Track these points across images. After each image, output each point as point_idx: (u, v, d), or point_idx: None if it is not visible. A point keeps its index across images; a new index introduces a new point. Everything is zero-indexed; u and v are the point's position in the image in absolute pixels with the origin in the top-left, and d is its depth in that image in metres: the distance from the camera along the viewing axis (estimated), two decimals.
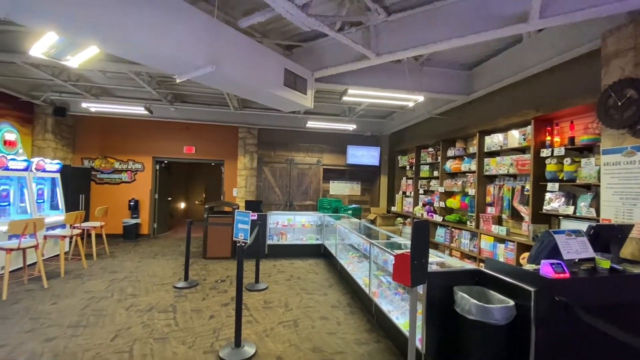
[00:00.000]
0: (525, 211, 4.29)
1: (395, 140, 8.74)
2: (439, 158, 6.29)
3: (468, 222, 5.42)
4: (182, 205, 12.17)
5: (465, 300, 2.18)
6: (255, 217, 6.08)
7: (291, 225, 6.87)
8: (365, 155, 8.98)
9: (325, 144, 9.01)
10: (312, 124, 7.80)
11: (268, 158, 8.70)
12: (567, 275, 2.01)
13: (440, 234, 6.13)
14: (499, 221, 4.87)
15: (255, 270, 4.92)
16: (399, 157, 8.48)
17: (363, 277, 4.24)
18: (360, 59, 3.79)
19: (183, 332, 3.26)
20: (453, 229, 5.73)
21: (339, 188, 9.28)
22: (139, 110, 6.91)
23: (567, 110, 3.69)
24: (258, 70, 3.45)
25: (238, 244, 3.04)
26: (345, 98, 5.03)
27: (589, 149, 3.62)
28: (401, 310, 3.19)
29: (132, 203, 8.01)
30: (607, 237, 2.40)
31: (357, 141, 9.06)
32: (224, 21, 3.32)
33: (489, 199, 5.09)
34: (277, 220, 6.83)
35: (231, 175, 8.57)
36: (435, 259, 3.04)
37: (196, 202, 12.30)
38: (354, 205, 7.86)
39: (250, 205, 6.88)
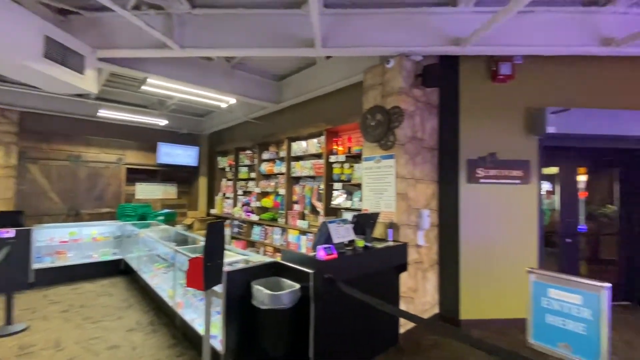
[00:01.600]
0: (320, 206, 5.10)
1: (215, 141, 8.51)
2: (256, 160, 6.59)
3: (279, 219, 5.93)
4: None
5: (260, 292, 2.32)
6: (11, 234, 4.43)
7: (75, 241, 5.40)
8: (181, 155, 8.26)
9: (129, 139, 7.65)
10: (106, 112, 6.43)
11: (37, 153, 6.49)
12: (336, 255, 2.50)
13: (256, 232, 6.42)
14: (302, 216, 5.59)
15: (5, 308, 3.53)
16: (219, 158, 8.31)
17: (168, 289, 3.83)
18: (162, 47, 3.41)
19: None
20: (267, 227, 6.13)
21: (148, 191, 8.11)
22: None
23: (346, 125, 4.66)
24: None
25: None
26: (144, 87, 4.42)
27: (359, 157, 4.71)
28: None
29: None
30: (364, 223, 3.15)
31: (171, 138, 8.20)
32: None
33: (295, 198, 5.76)
34: (52, 235, 5.21)
35: None
36: (240, 257, 3.11)
37: None
38: (167, 210, 7.06)
39: (3, 218, 4.92)
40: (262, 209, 6.47)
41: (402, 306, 3.34)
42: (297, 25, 3.33)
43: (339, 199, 4.82)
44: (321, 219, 5.11)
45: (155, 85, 4.35)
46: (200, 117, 8.10)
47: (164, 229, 5.65)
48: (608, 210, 4.95)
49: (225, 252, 3.36)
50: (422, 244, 3.61)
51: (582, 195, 5.06)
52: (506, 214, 3.76)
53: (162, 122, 7.20)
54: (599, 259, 4.94)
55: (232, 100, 4.88)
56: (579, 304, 1.12)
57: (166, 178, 8.40)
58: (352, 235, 2.84)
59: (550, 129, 3.56)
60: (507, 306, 3.71)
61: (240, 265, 2.92)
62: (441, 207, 3.91)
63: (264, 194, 6.48)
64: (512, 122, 3.79)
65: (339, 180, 4.81)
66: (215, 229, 2.02)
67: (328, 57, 4.51)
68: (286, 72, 5.24)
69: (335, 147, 4.98)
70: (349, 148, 4.76)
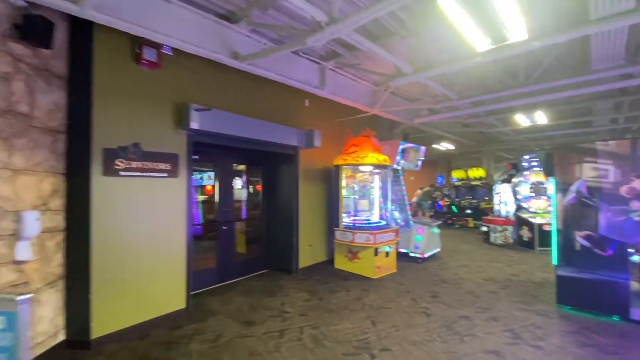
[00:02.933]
0: None
1: None
2: None
3: None
4: None
5: None
6: None
7: None
8: None
9: None
10: None
11: None
12: None
13: None
14: None
15: None
16: None
17: None
18: None
19: None
20: None
21: None
22: None
23: None
24: None
25: None
26: None
27: None
28: None
29: None
30: None
31: None
32: None
33: None
34: None
35: None
36: None
37: None
38: None
39: None
40: None
41: None
42: None
43: None
44: None
45: None
46: None
47: None
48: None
49: None
50: (27, 259, 2.64)
51: (259, 188, 6.04)
52: (152, 210, 3.56)
53: None
54: (254, 238, 6.03)
55: None
56: (2, 328, 0.80)
57: None
58: None
59: (194, 125, 3.74)
60: (153, 306, 3.54)
61: None
62: (68, 206, 3.10)
63: None
64: (160, 112, 3.66)
65: None
66: None
67: None
68: None
69: None
70: None
